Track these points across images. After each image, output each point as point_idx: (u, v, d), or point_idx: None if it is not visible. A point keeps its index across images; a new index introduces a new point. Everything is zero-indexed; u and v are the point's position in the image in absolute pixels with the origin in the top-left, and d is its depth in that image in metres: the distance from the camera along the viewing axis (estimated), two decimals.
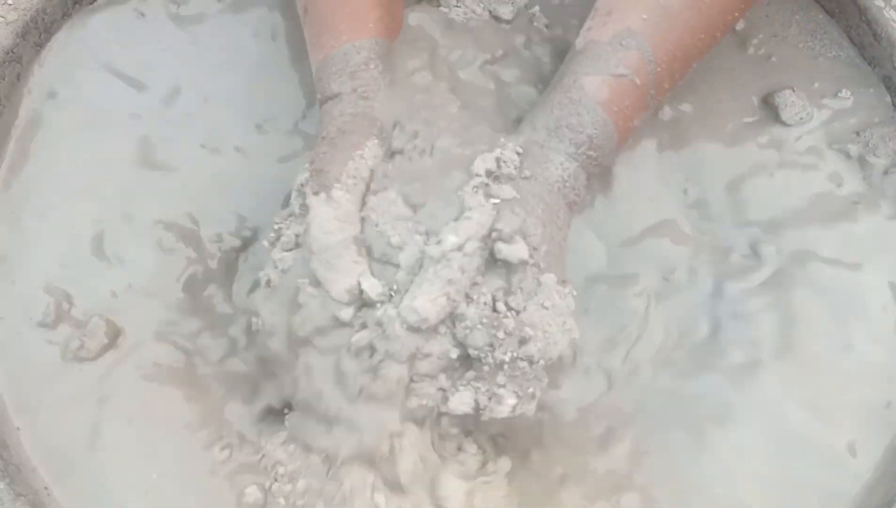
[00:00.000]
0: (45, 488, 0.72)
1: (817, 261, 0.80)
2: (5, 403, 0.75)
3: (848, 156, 0.84)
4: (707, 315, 0.79)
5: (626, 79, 0.75)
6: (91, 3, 0.89)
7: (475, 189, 0.71)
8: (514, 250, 0.69)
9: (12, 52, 0.83)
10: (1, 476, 0.70)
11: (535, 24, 0.87)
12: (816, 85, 0.87)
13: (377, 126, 0.75)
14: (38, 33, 0.86)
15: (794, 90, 0.85)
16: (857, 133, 0.85)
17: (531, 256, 0.69)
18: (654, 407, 0.76)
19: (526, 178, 0.73)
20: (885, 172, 0.83)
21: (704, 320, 0.79)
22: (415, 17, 0.84)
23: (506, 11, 0.87)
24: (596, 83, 0.75)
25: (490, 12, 0.87)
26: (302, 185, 0.73)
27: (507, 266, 0.69)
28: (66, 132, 0.84)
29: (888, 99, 0.86)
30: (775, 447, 0.75)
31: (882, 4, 0.86)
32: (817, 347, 0.78)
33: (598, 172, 0.77)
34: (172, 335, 0.77)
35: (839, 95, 0.86)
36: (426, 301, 0.67)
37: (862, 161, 0.83)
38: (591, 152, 0.75)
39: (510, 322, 0.68)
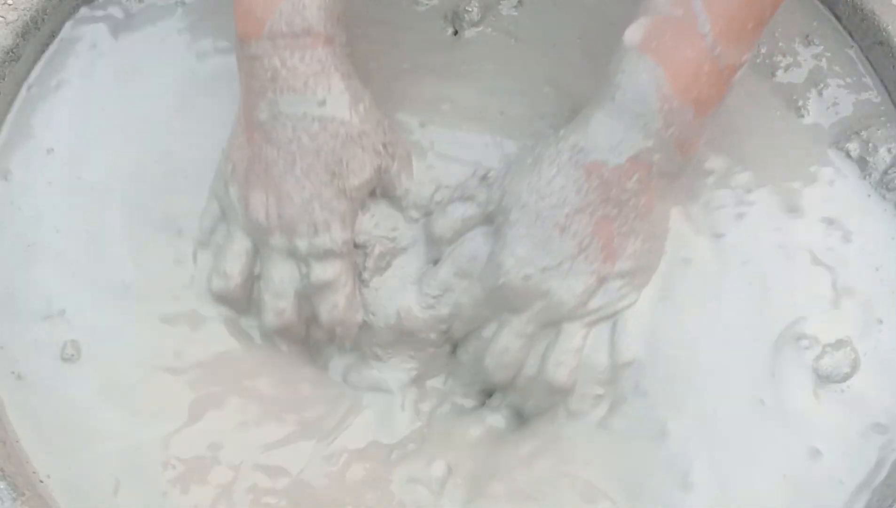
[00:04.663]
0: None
1: None
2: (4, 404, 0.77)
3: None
4: None
5: (662, 15, 0.60)
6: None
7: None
8: None
9: (12, 52, 0.84)
10: (0, 477, 0.72)
11: None
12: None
13: None
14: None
15: None
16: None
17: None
18: None
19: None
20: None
21: None
22: None
23: None
24: (630, 30, 0.62)
25: None
26: None
27: None
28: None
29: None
30: None
31: None
32: None
33: (678, 137, 0.58)
34: None
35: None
36: None
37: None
38: (635, 107, 0.59)
39: None
